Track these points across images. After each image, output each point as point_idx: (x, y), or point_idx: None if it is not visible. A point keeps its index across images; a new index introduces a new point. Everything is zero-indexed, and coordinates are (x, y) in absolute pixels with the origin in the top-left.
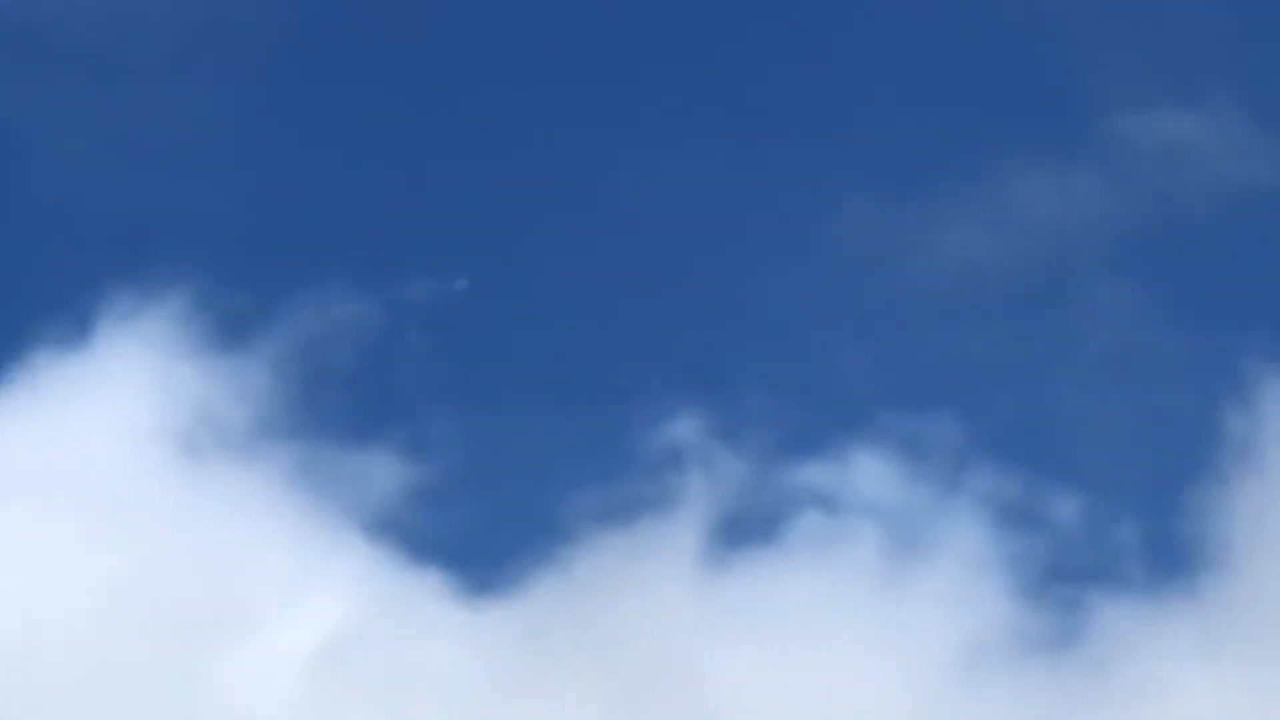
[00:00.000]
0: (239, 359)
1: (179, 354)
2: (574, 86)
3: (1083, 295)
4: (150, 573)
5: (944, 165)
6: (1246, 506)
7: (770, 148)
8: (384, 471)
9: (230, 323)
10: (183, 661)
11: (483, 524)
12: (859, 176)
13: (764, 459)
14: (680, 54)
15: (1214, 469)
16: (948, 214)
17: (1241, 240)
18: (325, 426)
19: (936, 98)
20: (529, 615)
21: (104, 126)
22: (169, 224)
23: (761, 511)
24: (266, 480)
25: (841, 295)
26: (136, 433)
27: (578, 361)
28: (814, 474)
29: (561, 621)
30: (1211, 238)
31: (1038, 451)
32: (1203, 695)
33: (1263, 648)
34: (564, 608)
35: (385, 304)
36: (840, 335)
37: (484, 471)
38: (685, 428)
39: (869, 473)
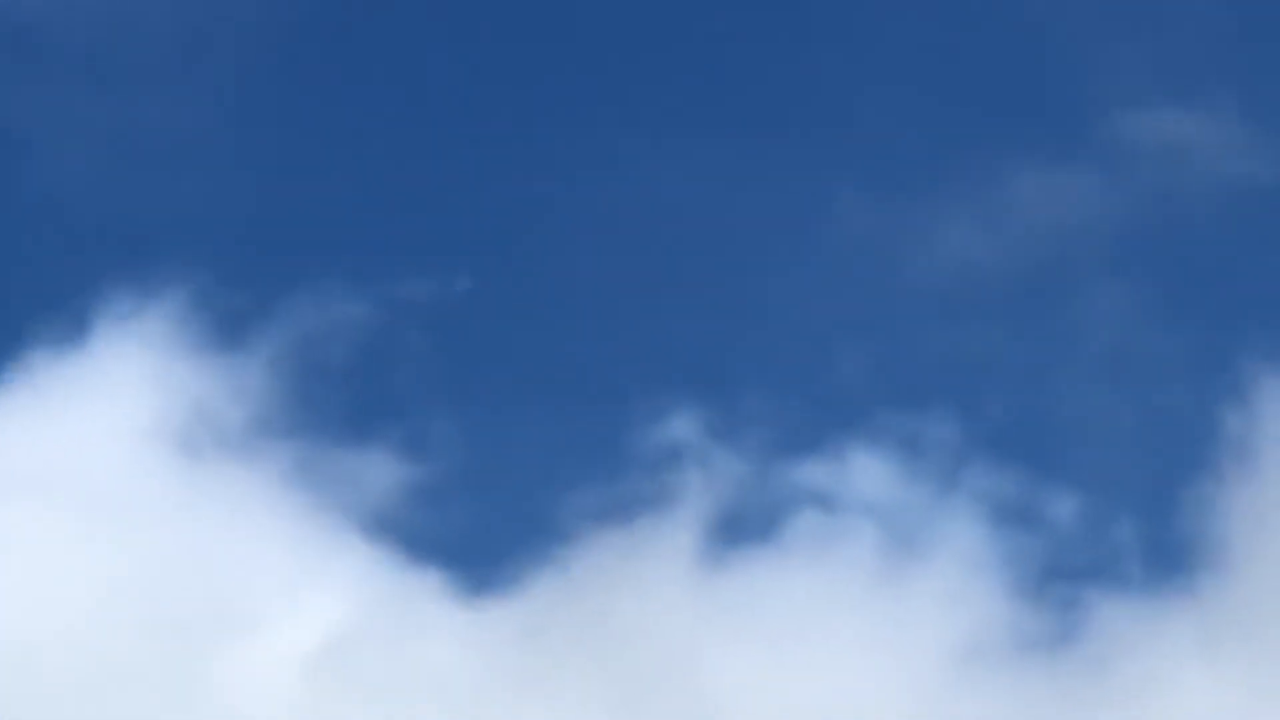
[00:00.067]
0: (237, 358)
1: (177, 353)
2: (570, 86)
3: (1081, 294)
4: (148, 572)
5: (942, 164)
6: (1244, 505)
7: (768, 147)
8: (382, 471)
9: (228, 322)
10: (181, 661)
11: (481, 523)
12: (857, 175)
13: (762, 458)
14: (678, 53)
15: (1212, 468)
16: (946, 213)
17: (1240, 240)
18: (323, 426)
19: (935, 97)
20: (527, 614)
21: (101, 127)
22: (167, 223)
23: (759, 510)
24: (265, 480)
25: (839, 294)
26: (134, 432)
27: (575, 360)
28: (812, 473)
29: (560, 620)
30: (1210, 237)
31: (1035, 450)
32: (1201, 693)
33: (1260, 646)
34: (562, 607)
35: (383, 303)
36: (838, 334)
37: (482, 471)
38: (683, 427)
39: (867, 472)
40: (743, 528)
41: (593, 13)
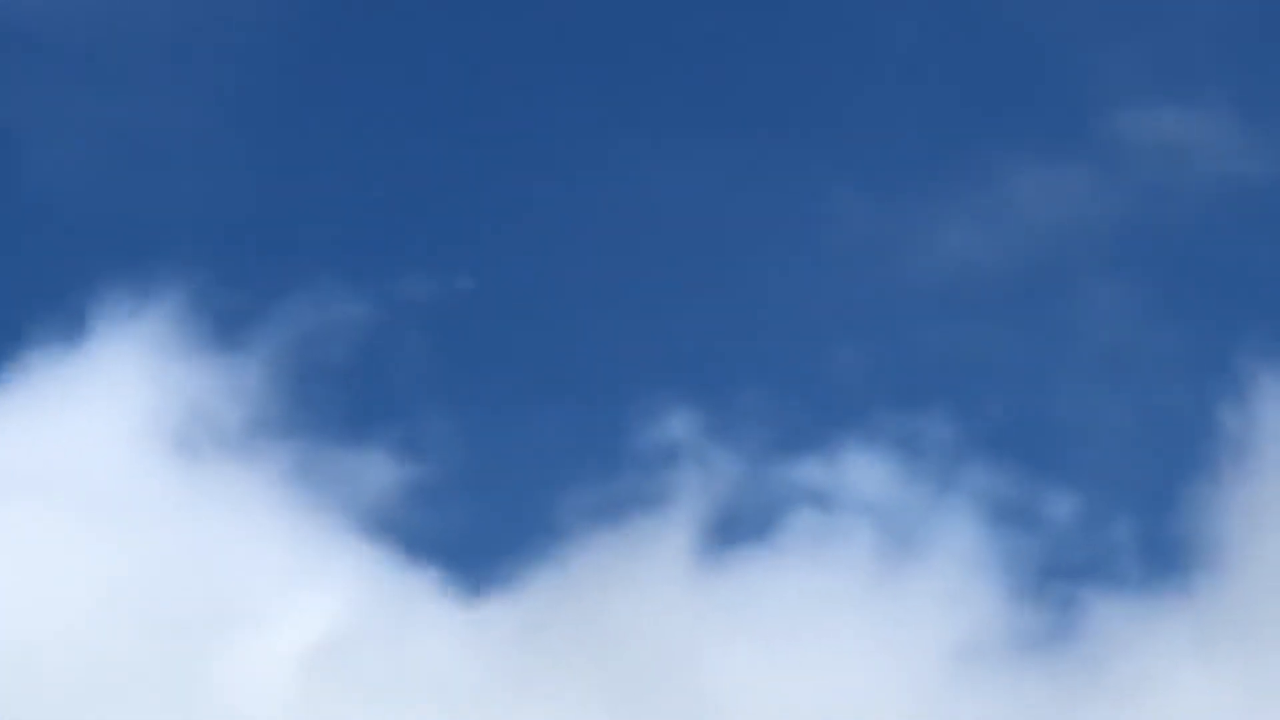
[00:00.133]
0: (234, 358)
1: (175, 353)
2: (568, 86)
3: (1078, 293)
4: (147, 572)
5: (940, 163)
6: (1241, 504)
7: (766, 146)
8: (380, 470)
9: (226, 322)
10: (180, 660)
11: (478, 522)
12: (854, 174)
13: (759, 457)
14: (676, 53)
15: (1209, 466)
16: (944, 212)
17: (1236, 237)
18: (321, 425)
19: (933, 96)
20: (525, 613)
21: (99, 126)
22: (165, 223)
23: (757, 509)
24: (262, 479)
25: (837, 293)
26: (132, 432)
27: (572, 360)
28: (809, 472)
29: (557, 619)
30: (1207, 236)
31: (1033, 449)
32: (1197, 692)
33: (1257, 645)
34: (559, 606)
35: (380, 303)
36: (835, 333)
37: (479, 470)
38: (680, 426)
39: (864, 470)
40: (740, 527)
41: (591, 13)
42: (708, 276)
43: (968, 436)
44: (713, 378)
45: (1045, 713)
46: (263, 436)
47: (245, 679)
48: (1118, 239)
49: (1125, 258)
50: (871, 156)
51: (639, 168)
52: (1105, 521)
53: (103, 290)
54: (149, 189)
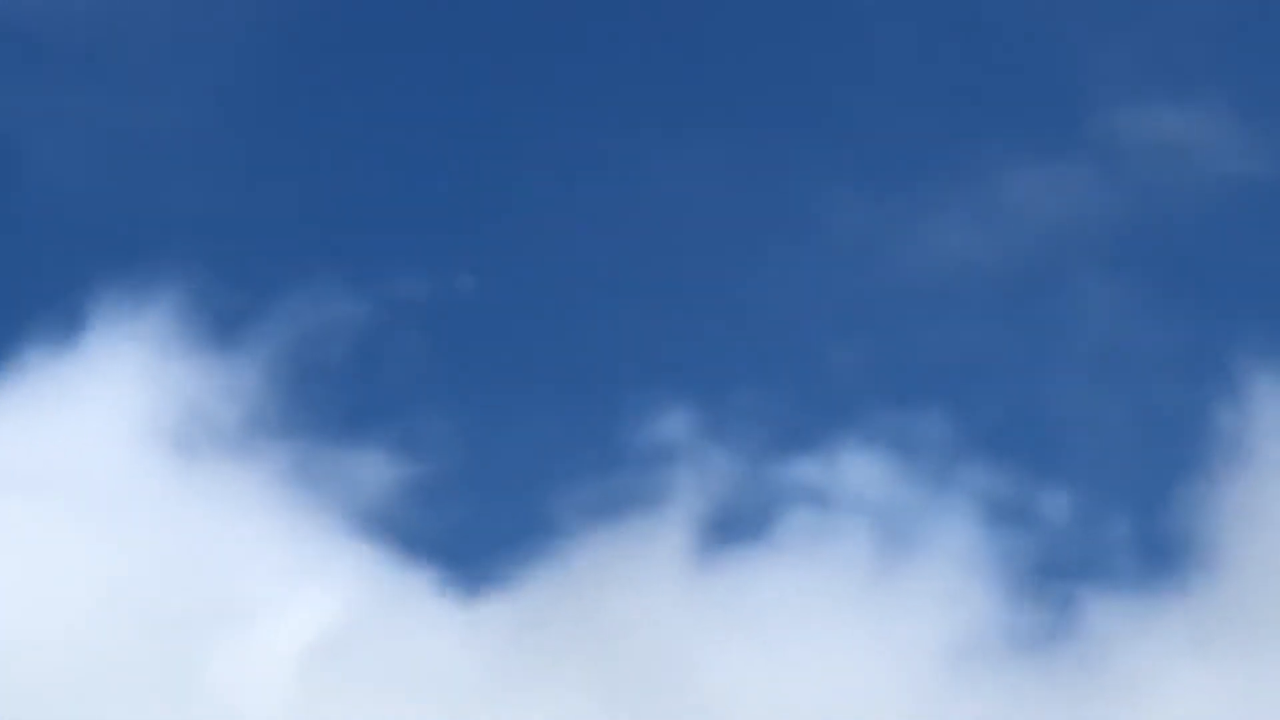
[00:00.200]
0: (231, 357)
1: (171, 352)
2: (559, 83)
3: (1074, 291)
4: (144, 570)
5: (934, 160)
6: (1236, 502)
7: (761, 144)
8: (376, 468)
9: (222, 320)
10: (177, 658)
11: (475, 520)
12: (850, 172)
13: (754, 455)
14: (669, 50)
15: (1205, 465)
16: (938, 209)
17: (1232, 235)
18: (318, 424)
19: (927, 92)
20: (521, 611)
21: (96, 126)
22: (162, 222)
23: (753, 508)
24: (259, 478)
25: (831, 291)
26: (129, 431)
27: (569, 358)
28: (804, 470)
29: (554, 617)
30: (1203, 234)
31: (1028, 447)
32: (1193, 690)
33: (1252, 642)
34: (556, 604)
35: (377, 302)
36: (830, 331)
37: (476, 468)
38: (676, 424)
39: (859, 469)
40: (736, 525)
41: (588, 13)
42: (704, 275)
43: (964, 435)
44: (709, 376)
45: (1041, 711)
46: (260, 435)
47: (243, 678)
48: (1114, 237)
49: (1122, 256)
50: (867, 154)
51: (634, 166)
52: (1101, 520)
53: (100, 289)
54: (146, 187)
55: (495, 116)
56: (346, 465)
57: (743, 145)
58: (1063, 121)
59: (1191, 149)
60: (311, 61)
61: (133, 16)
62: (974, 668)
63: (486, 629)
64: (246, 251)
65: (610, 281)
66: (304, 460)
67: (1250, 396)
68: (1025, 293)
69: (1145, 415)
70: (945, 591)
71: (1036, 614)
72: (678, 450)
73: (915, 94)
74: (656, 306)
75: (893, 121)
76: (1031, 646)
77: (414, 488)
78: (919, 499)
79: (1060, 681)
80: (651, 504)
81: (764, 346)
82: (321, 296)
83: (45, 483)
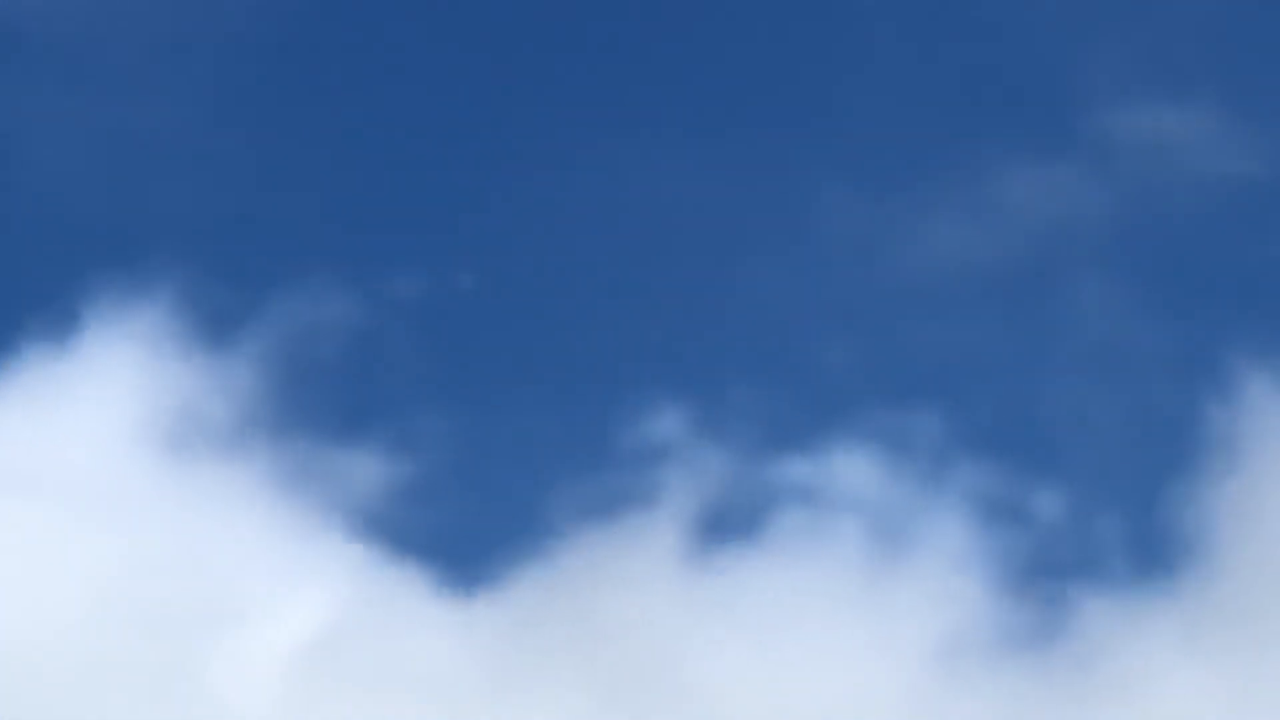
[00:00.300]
0: (225, 356)
1: (166, 351)
2: (556, 82)
3: (1067, 290)
4: (137, 569)
5: (928, 159)
6: (1229, 501)
7: (755, 143)
8: (369, 468)
9: (216, 320)
10: (171, 657)
11: (468, 519)
12: (843, 171)
13: (747, 454)
14: (667, 50)
15: (1197, 464)
16: (933, 209)
17: (1225, 235)
18: (311, 423)
19: (922, 93)
20: (514, 610)
21: (90, 124)
22: (156, 220)
23: (745, 506)
24: (252, 477)
25: (825, 290)
26: (123, 430)
27: (562, 357)
28: (797, 469)
29: (547, 616)
30: (1196, 233)
31: (1021, 446)
32: (1185, 689)
33: (1245, 641)
34: (549, 602)
35: (370, 301)
36: (823, 330)
37: (469, 467)
38: (669, 423)
39: (852, 468)
40: (729, 524)
41: (586, 13)
42: (697, 273)
43: (956, 434)
44: (702, 375)
45: (1033, 709)
46: (254, 435)
47: (237, 676)
48: (1109, 237)
49: (1114, 255)
50: (861, 154)
51: (629, 165)
52: (1095, 519)
53: (95, 288)
54: (141, 187)
55: (491, 116)
56: (341, 464)
57: (737, 145)
58: (1058, 121)
59: (1186, 149)
60: (307, 61)
61: (127, 16)
62: (967, 666)
63: (481, 628)
64: (241, 251)
65: (605, 281)
66: (299, 459)
67: (1243, 396)
68: (1019, 292)
69: (1139, 414)
70: (938, 590)
71: (1029, 613)
72: (671, 449)
73: (911, 94)
74: (651, 305)
75: (888, 121)
76: (1024, 645)
77: (407, 487)
78: (912, 498)
79: (1053, 680)
80: (645, 503)
81: (758, 345)
82: (316, 296)
83: (39, 482)
